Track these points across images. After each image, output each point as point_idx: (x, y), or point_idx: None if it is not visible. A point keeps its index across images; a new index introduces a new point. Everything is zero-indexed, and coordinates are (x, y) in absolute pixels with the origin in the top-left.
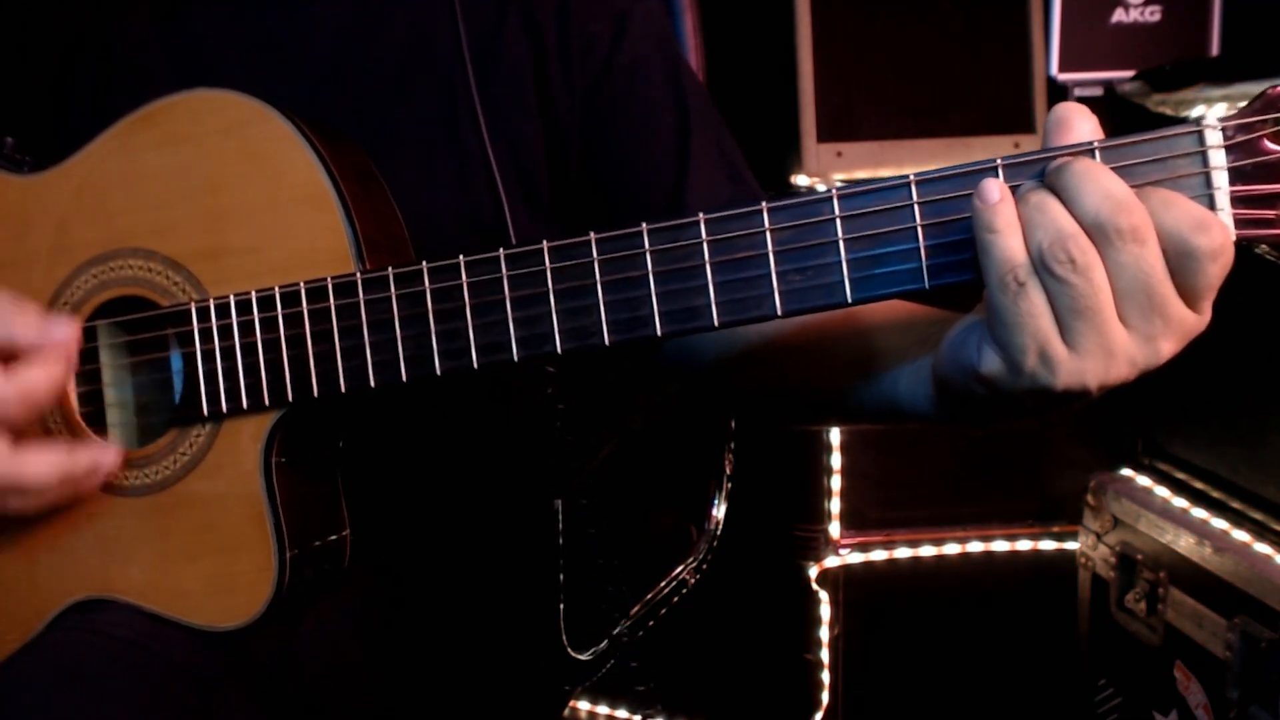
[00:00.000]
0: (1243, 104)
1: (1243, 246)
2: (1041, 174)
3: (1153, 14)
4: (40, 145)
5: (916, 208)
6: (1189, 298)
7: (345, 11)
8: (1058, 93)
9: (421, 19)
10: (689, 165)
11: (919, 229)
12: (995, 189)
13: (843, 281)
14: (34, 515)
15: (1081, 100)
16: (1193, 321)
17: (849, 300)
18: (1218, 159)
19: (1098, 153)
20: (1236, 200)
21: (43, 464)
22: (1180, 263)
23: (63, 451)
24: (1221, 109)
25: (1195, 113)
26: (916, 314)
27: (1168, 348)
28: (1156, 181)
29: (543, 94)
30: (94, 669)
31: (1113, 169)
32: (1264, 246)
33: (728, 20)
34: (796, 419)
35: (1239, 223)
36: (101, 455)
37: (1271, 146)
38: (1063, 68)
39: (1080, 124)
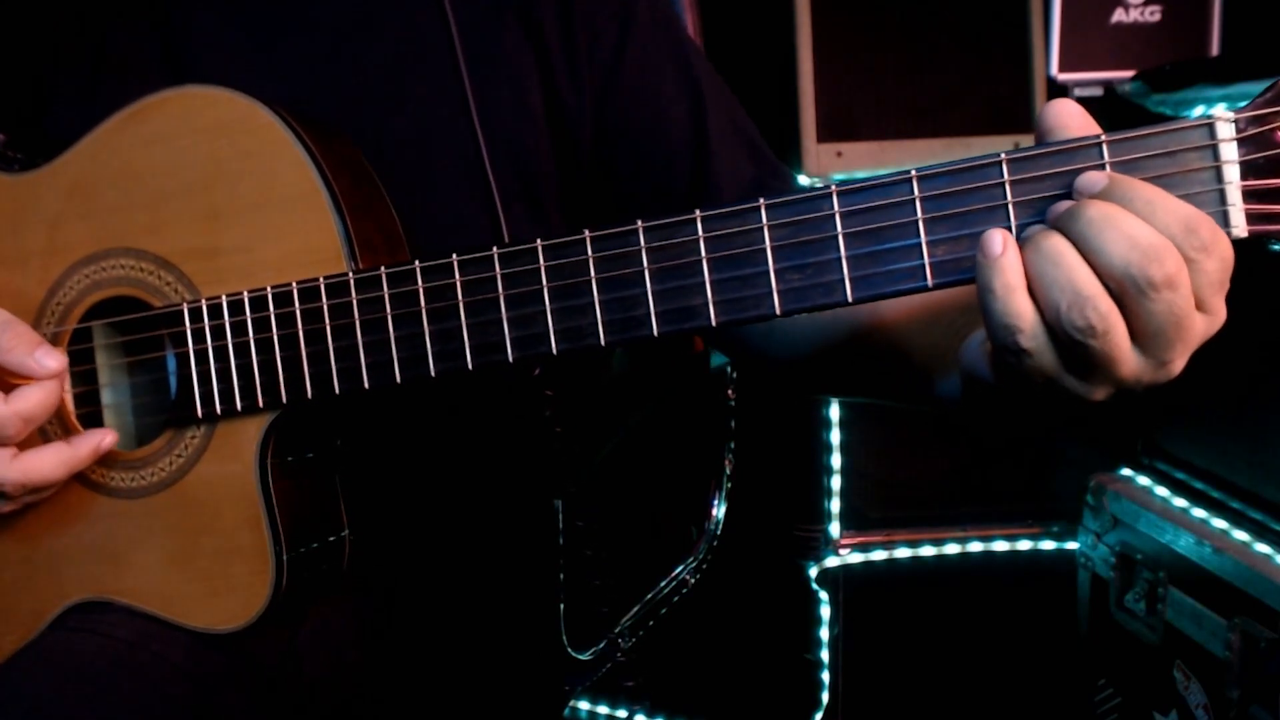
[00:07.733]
0: (1243, 103)
1: (1253, 242)
2: (1042, 215)
3: (1153, 14)
4: (31, 143)
5: (918, 203)
6: (1196, 304)
7: (338, 13)
8: (1057, 93)
9: (414, 20)
10: (709, 150)
11: (920, 226)
12: (998, 242)
13: (843, 280)
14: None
15: (1081, 100)
16: (1202, 327)
17: (849, 300)
18: (1229, 152)
19: (1105, 147)
20: (1248, 195)
21: (47, 463)
22: None
23: (65, 447)
24: (1221, 109)
25: (1195, 113)
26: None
27: (1179, 365)
28: (1166, 176)
29: (549, 94)
30: (94, 669)
31: (1121, 163)
32: None
33: (728, 20)
34: (843, 394)
35: (1250, 218)
36: (101, 439)
37: None
38: (1063, 68)
39: (1079, 128)
